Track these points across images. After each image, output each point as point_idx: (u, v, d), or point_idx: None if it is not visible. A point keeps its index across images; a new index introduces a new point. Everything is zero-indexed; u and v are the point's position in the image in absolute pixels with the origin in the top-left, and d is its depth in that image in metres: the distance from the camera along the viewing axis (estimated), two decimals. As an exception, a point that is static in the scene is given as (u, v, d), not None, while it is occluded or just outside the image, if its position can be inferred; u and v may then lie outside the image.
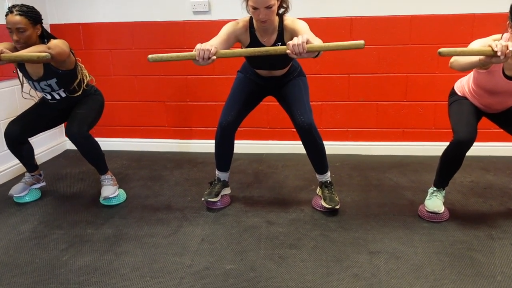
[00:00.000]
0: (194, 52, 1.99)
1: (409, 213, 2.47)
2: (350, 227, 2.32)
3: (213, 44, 2.08)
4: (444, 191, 2.43)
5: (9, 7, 2.37)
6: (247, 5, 2.17)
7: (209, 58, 1.98)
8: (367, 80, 3.41)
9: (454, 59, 2.16)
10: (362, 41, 1.94)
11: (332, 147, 3.50)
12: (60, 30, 3.58)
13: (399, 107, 3.44)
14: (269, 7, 2.12)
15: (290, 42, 1.93)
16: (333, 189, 2.56)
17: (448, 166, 2.31)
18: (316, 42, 2.02)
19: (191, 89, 3.59)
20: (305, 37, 1.92)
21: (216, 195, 2.56)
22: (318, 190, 2.60)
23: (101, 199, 2.67)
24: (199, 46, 1.99)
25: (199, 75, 3.53)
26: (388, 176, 3.06)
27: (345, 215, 2.47)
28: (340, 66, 3.38)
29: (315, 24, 3.27)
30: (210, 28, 3.37)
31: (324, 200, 2.49)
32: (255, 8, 2.13)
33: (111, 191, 2.66)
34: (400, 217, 2.42)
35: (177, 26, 3.47)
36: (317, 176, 2.57)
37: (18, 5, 2.38)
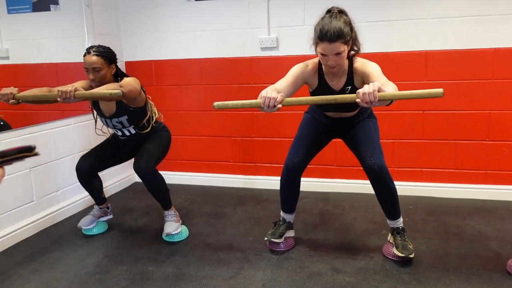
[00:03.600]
0: (259, 100, 1.93)
1: (495, 268, 2.19)
2: (427, 281, 2.10)
3: (279, 89, 2.02)
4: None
5: (87, 48, 2.48)
6: (315, 48, 2.09)
7: (274, 106, 1.91)
8: (444, 117, 3.17)
9: None
10: (440, 90, 1.77)
11: (405, 188, 3.27)
12: (134, 67, 3.73)
13: (481, 146, 3.15)
14: (338, 54, 2.03)
15: (361, 90, 1.80)
16: (406, 235, 2.35)
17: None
18: (389, 88, 1.87)
19: (257, 124, 3.56)
20: (376, 85, 1.79)
21: (280, 236, 2.45)
22: (390, 237, 2.40)
23: (163, 235, 2.66)
24: (264, 93, 1.93)
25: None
26: (469, 223, 2.77)
27: (420, 266, 2.24)
28: (414, 102, 3.18)
29: (388, 59, 3.15)
30: (277, 64, 3.35)
31: (396, 247, 2.29)
32: (323, 55, 2.05)
33: (173, 227, 2.64)
34: (484, 272, 2.16)
35: (245, 62, 3.48)
36: (388, 221, 2.38)
37: (95, 46, 2.49)
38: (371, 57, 3.11)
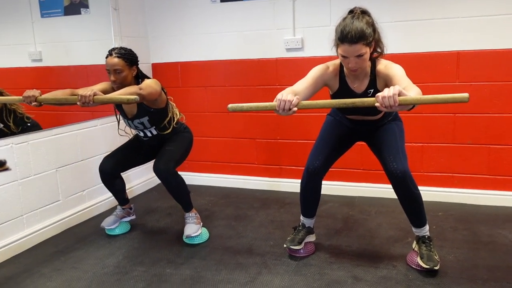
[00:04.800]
0: (274, 103, 1.88)
1: (528, 282, 2.06)
2: (452, 293, 2.00)
3: (297, 90, 1.97)
4: None
5: (109, 50, 2.51)
6: (336, 50, 2.03)
7: (290, 109, 1.86)
8: (477, 120, 3.03)
9: None
10: (466, 94, 1.66)
11: (434, 193, 3.15)
12: (161, 69, 3.76)
13: (517, 151, 2.99)
14: (360, 56, 1.95)
15: (380, 94, 1.72)
16: (432, 245, 2.24)
17: None
18: (412, 92, 1.77)
19: (281, 126, 3.51)
20: (397, 89, 1.70)
21: (299, 243, 2.39)
22: (414, 245, 2.30)
23: (184, 237, 2.65)
24: (280, 95, 1.88)
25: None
26: (502, 232, 2.63)
27: (446, 277, 2.14)
28: (444, 104, 3.03)
29: (417, 60, 3.04)
30: (302, 65, 3.28)
31: (421, 258, 2.19)
32: (344, 57, 1.98)
33: (194, 229, 2.63)
34: (516, 286, 2.04)
35: (270, 63, 3.44)
36: (413, 229, 2.28)
37: (117, 48, 2.52)
38: (400, 58, 3.02)
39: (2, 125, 2.69)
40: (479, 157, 3.07)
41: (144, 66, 3.63)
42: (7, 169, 1.58)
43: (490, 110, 2.99)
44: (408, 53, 3.05)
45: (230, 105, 1.97)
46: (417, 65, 3.05)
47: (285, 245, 2.41)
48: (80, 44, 3.54)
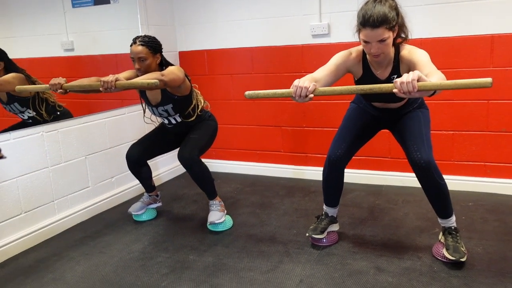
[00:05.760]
0: (291, 90, 1.85)
1: (560, 276, 1.97)
2: (478, 287, 1.93)
3: (317, 77, 1.93)
4: None
5: (133, 38, 2.54)
6: (359, 35, 1.97)
7: (306, 96, 1.82)
8: (512, 107, 2.90)
9: None
10: (489, 79, 1.56)
11: (465, 183, 3.05)
12: (188, 57, 3.78)
13: (554, 140, 2.85)
14: (382, 41, 1.89)
15: (398, 80, 1.65)
16: (459, 236, 2.18)
17: None
18: (434, 78, 1.70)
19: (307, 114, 3.47)
20: (416, 74, 1.63)
21: (322, 232, 2.37)
22: (441, 236, 2.24)
23: (208, 224, 2.68)
24: (296, 82, 1.84)
25: (316, 99, 3.39)
26: (536, 224, 2.53)
27: (473, 269, 2.08)
28: (477, 91, 2.92)
29: (448, 44, 2.92)
30: (329, 51, 3.18)
31: (447, 249, 2.13)
32: (366, 42, 1.92)
33: (217, 216, 2.65)
34: (547, 280, 1.95)
35: (296, 50, 3.39)
36: (439, 220, 2.22)
37: (141, 36, 2.54)
38: (430, 42, 2.93)
39: (35, 113, 2.78)
40: (513, 146, 2.95)
41: (171, 54, 3.66)
42: (2, 157, 1.63)
43: (526, 96, 2.85)
44: (439, 37, 2.93)
45: (247, 92, 1.96)
46: (448, 50, 2.93)
47: (307, 234, 2.40)
48: (110, 33, 3.60)
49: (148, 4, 3.47)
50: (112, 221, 2.91)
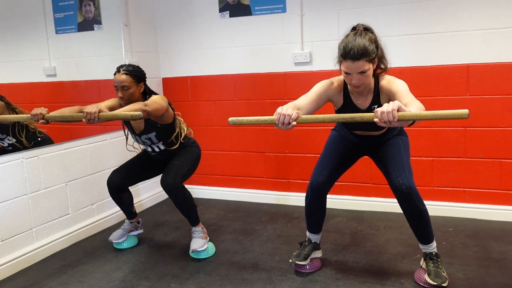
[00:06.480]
0: (274, 117, 1.88)
1: (539, 301, 2.00)
2: (459, 312, 1.95)
3: (299, 105, 1.97)
4: None
5: (117, 67, 2.55)
6: (340, 67, 2.03)
7: (289, 123, 1.85)
8: (489, 134, 2.98)
9: None
10: (466, 110, 1.63)
11: (445, 208, 3.10)
12: (171, 83, 3.80)
13: (530, 166, 2.93)
14: (363, 72, 1.95)
15: (379, 109, 1.70)
16: (440, 262, 2.20)
17: None
18: (413, 107, 1.76)
19: (290, 140, 3.51)
20: (396, 104, 1.68)
21: (305, 258, 2.37)
22: (422, 262, 2.26)
23: (190, 252, 2.65)
24: (280, 109, 1.87)
25: (299, 126, 3.44)
26: (514, 249, 2.57)
27: (454, 295, 2.09)
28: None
29: (426, 73, 3.02)
30: (311, 79, 3.28)
31: (429, 274, 2.15)
32: (347, 73, 1.98)
33: (200, 244, 2.63)
34: (526, 305, 1.98)
35: (278, 77, 3.45)
36: (420, 246, 2.24)
37: (125, 65, 2.56)
38: (409, 71, 3.02)
39: (14, 140, 2.75)
40: (491, 172, 3.02)
41: (154, 80, 3.69)
42: None
43: (502, 123, 2.94)
44: (417, 67, 3.03)
45: (230, 119, 1.98)
46: (426, 78, 3.02)
47: (290, 260, 2.39)
48: (93, 59, 3.61)
49: (132, 31, 3.50)
50: (92, 249, 2.85)
